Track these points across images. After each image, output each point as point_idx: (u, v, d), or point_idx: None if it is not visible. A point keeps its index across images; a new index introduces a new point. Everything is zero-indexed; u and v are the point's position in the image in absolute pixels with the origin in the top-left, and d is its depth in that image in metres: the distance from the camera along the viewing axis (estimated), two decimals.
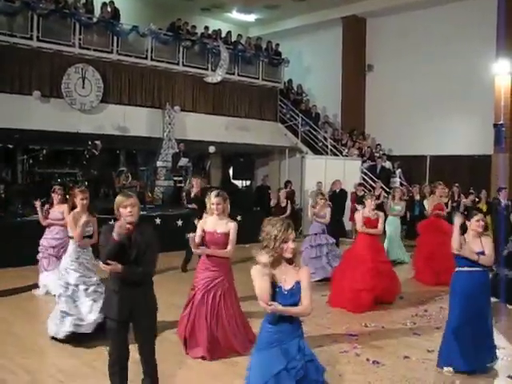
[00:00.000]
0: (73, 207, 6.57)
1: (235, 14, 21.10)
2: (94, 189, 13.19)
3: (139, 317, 4.29)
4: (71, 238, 6.48)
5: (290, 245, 3.44)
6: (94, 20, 14.81)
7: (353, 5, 19.77)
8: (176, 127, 15.61)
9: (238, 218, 12.83)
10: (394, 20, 19.75)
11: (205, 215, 6.62)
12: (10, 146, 16.73)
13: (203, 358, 5.68)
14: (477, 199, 14.12)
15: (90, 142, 13.26)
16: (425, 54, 18.59)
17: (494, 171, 16.87)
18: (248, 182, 18.34)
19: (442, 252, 9.41)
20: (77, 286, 6.22)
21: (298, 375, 3.41)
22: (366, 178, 17.90)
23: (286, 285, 3.46)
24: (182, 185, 14.90)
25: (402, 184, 17.60)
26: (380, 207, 11.91)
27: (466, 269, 5.42)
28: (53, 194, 8.38)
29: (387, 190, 15.84)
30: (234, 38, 18.53)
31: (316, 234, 10.11)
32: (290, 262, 3.52)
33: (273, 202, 12.30)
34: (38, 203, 8.13)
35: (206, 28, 18.06)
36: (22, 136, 14.23)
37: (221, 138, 16.55)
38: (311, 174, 16.69)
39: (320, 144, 18.83)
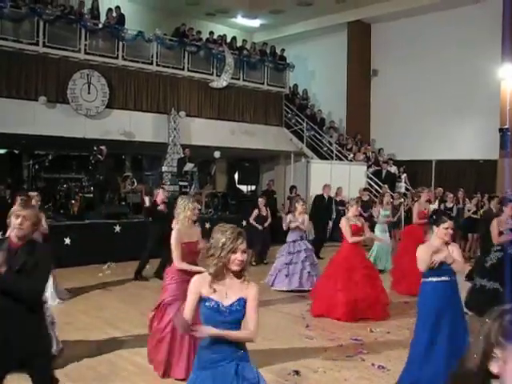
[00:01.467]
0: None
1: (240, 19, 21.16)
2: (99, 194, 13.23)
3: (21, 353, 3.62)
4: None
5: (239, 256, 3.10)
6: (100, 26, 14.92)
7: (358, 10, 19.80)
8: (181, 132, 15.64)
9: (244, 223, 12.82)
10: (399, 25, 19.78)
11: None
12: (16, 152, 16.82)
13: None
14: (482, 203, 14.09)
15: (95, 148, 13.28)
16: (430, 58, 18.59)
17: (499, 176, 16.81)
18: (253, 187, 18.32)
19: (403, 260, 9.20)
20: None
21: None
22: (371, 182, 17.88)
23: (227, 300, 3.10)
24: (188, 190, 14.92)
25: (407, 189, 17.59)
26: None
27: (430, 279, 4.78)
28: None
29: (393, 194, 15.80)
30: (239, 43, 18.61)
31: (294, 242, 9.78)
32: (238, 275, 3.17)
33: (255, 213, 11.77)
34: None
35: (211, 33, 18.10)
36: (27, 141, 14.28)
37: (226, 143, 16.57)
38: (316, 178, 16.66)
39: (325, 149, 18.83)
